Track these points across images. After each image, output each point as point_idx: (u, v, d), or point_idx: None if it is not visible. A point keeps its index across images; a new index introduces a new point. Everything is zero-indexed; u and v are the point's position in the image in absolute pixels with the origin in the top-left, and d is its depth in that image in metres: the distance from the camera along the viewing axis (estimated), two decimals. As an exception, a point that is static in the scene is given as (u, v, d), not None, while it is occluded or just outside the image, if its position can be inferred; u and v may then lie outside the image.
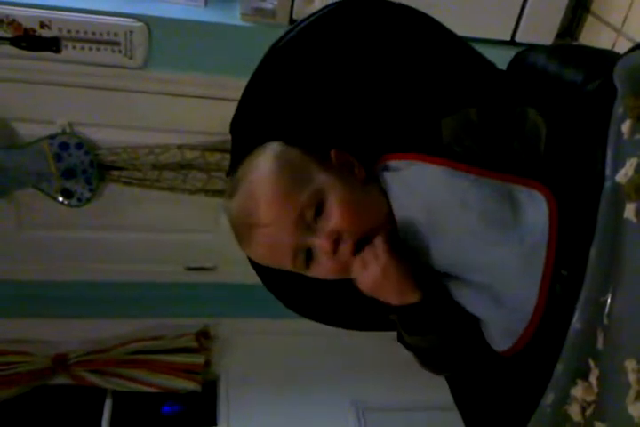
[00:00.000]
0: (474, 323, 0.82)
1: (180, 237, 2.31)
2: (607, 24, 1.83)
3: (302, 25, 0.88)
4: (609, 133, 0.64)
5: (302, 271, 0.85)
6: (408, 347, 0.88)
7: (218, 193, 2.07)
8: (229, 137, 0.95)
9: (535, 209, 0.76)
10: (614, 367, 0.59)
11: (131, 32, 1.75)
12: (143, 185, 2.05)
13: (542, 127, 0.80)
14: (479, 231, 0.77)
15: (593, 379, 0.60)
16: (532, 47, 0.93)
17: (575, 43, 1.99)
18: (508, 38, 1.92)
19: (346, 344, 2.10)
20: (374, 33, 0.89)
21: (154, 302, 2.35)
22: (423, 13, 0.91)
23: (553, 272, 0.74)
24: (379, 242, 0.78)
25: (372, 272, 0.78)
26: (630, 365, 0.57)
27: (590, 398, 0.60)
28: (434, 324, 0.81)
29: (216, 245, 2.25)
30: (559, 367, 0.63)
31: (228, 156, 0.95)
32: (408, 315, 0.81)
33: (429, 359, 0.88)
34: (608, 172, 0.63)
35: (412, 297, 0.79)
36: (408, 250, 0.80)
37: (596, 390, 0.60)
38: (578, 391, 0.61)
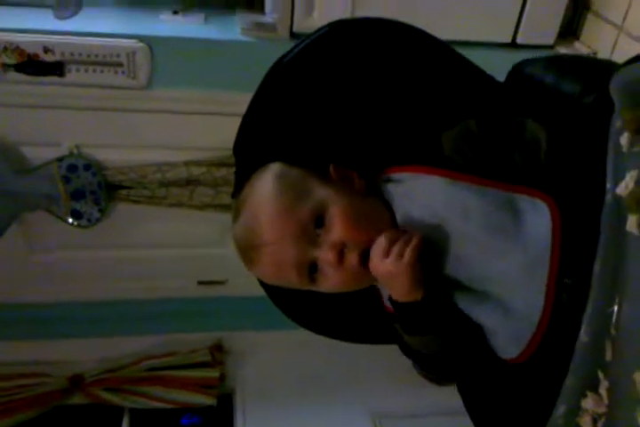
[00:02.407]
0: (476, 331, 0.82)
1: (190, 252, 2.32)
2: (608, 21, 1.83)
3: (301, 46, 0.89)
4: (608, 146, 0.64)
5: (309, 287, 0.85)
6: (409, 355, 0.89)
7: (226, 207, 2.08)
8: (232, 151, 0.97)
9: (538, 218, 0.76)
10: (624, 379, 0.59)
11: (133, 53, 1.77)
12: (151, 202, 2.06)
13: (542, 138, 0.80)
14: (482, 241, 0.77)
15: (603, 391, 0.61)
16: (529, 59, 0.94)
17: (577, 41, 1.99)
18: (509, 41, 1.93)
19: (359, 354, 2.09)
20: (373, 50, 0.90)
21: (167, 318, 2.37)
22: (421, 30, 0.91)
23: (557, 281, 0.74)
24: (415, 239, 0.78)
25: (394, 265, 0.78)
26: (639, 377, 0.57)
27: (601, 409, 0.61)
28: (433, 323, 0.81)
29: (226, 258, 2.25)
30: (569, 380, 0.63)
31: (233, 170, 0.96)
32: (409, 312, 0.81)
33: (429, 365, 0.88)
34: (609, 184, 0.63)
35: (417, 295, 0.79)
36: None
37: (606, 402, 0.60)
38: (588, 403, 0.61)
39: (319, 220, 0.81)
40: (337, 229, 0.80)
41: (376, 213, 0.83)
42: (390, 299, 0.83)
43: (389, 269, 0.78)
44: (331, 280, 0.83)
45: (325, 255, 0.80)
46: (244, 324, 2.42)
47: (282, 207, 0.81)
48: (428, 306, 0.80)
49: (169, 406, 2.22)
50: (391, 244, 0.78)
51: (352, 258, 0.80)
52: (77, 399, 2.23)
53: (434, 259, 0.80)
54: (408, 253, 0.78)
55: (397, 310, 0.83)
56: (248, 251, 0.85)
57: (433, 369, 0.89)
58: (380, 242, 0.79)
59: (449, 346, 0.83)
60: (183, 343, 2.35)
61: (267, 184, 0.85)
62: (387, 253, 0.78)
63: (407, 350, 0.88)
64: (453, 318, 0.81)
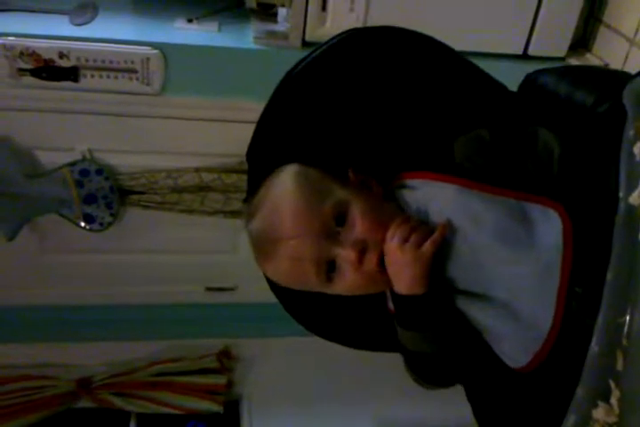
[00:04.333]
0: (475, 337, 0.83)
1: (200, 258, 2.33)
2: (620, 34, 1.83)
3: (316, 53, 0.90)
4: (621, 155, 0.65)
5: (325, 287, 0.85)
6: (405, 356, 0.89)
7: (236, 214, 2.09)
8: (245, 158, 0.97)
9: (549, 226, 0.76)
10: (635, 389, 0.59)
11: (147, 59, 1.79)
12: (162, 208, 2.07)
13: (555, 147, 0.81)
14: (494, 249, 0.78)
15: (614, 400, 0.60)
16: (542, 69, 0.95)
17: (588, 53, 1.99)
18: (521, 52, 1.93)
19: (367, 362, 2.07)
20: (386, 59, 0.91)
21: (175, 324, 2.36)
22: (434, 39, 0.92)
23: (568, 290, 0.74)
24: (438, 233, 0.79)
25: (411, 253, 0.78)
26: (651, 386, 0.57)
27: (612, 419, 0.60)
28: (430, 319, 0.82)
29: (235, 265, 2.26)
30: (580, 390, 0.63)
31: (244, 177, 0.97)
32: (408, 304, 0.82)
33: (418, 366, 0.89)
34: (621, 193, 0.64)
35: (419, 289, 0.80)
36: None
37: (617, 411, 0.60)
38: (599, 413, 0.61)
39: (340, 218, 0.82)
40: (359, 227, 0.81)
41: (395, 217, 0.84)
42: (392, 291, 0.84)
43: (405, 255, 0.79)
44: (347, 280, 0.83)
45: (347, 253, 0.80)
46: (252, 331, 2.41)
47: (304, 203, 0.82)
48: (427, 301, 0.81)
49: (175, 411, 2.21)
50: (411, 231, 0.79)
51: (372, 258, 0.81)
52: (84, 403, 2.22)
53: (443, 262, 0.81)
54: (428, 245, 0.79)
55: (396, 302, 0.83)
56: (265, 245, 0.84)
57: (420, 370, 0.89)
58: (403, 226, 0.80)
59: (442, 347, 0.83)
60: (191, 349, 2.34)
61: (287, 181, 0.85)
62: (406, 239, 0.79)
63: (401, 349, 0.88)
64: (450, 319, 0.82)
